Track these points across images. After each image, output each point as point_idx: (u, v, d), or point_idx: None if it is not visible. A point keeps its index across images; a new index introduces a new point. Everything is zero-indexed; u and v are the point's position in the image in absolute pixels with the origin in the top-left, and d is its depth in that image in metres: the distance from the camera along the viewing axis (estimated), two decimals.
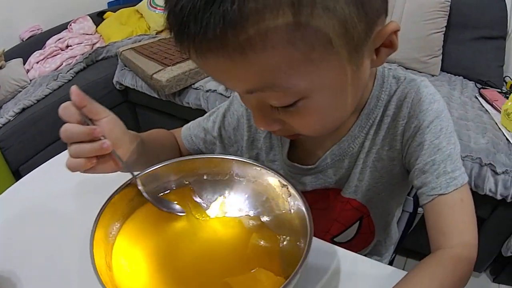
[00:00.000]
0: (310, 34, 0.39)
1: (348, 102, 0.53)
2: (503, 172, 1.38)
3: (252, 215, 0.57)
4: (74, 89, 0.50)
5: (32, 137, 2.10)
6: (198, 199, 0.59)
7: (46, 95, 2.21)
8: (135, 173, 0.55)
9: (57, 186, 0.80)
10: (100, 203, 0.51)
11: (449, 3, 2.07)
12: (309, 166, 0.70)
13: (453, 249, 0.54)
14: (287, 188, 0.53)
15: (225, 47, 0.39)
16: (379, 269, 0.60)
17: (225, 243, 0.54)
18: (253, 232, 0.54)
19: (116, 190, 0.52)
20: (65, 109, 0.51)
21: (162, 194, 0.58)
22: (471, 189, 1.38)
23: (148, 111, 2.45)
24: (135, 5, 3.08)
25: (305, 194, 0.72)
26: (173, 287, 0.48)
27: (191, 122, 0.83)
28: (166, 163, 0.58)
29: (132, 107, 2.60)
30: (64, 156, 0.84)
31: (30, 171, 0.87)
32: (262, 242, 0.52)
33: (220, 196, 0.59)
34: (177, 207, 0.57)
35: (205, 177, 0.59)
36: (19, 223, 0.72)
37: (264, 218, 0.56)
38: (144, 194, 0.55)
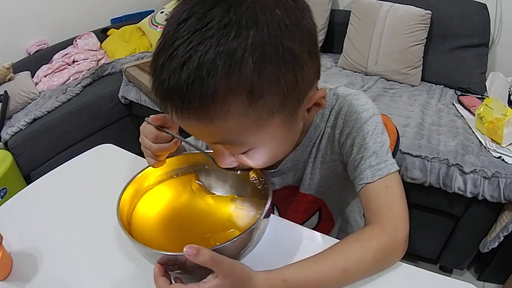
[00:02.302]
0: (259, 108, 0.53)
1: (287, 146, 0.71)
2: (471, 172, 1.49)
3: (235, 194, 0.74)
4: (153, 118, 0.69)
5: (42, 145, 2.20)
6: (199, 182, 0.77)
7: (56, 107, 2.30)
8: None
9: (65, 189, 0.92)
10: (103, 201, 0.69)
11: (430, 15, 2.15)
12: (273, 170, 0.85)
13: (378, 224, 0.67)
14: (261, 176, 0.70)
15: (200, 116, 0.52)
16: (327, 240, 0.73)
17: (214, 212, 0.71)
18: (234, 205, 0.72)
19: (137, 173, 0.72)
20: (160, 136, 0.69)
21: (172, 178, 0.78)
22: (440, 188, 1.53)
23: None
24: (137, 23, 3.14)
25: (276, 192, 0.89)
26: (174, 239, 0.67)
27: (188, 138, 0.99)
28: (180, 155, 0.77)
29: (136, 120, 2.72)
30: (71, 164, 1.00)
31: (40, 176, 0.96)
32: (239, 213, 0.70)
33: (215, 180, 0.77)
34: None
35: (206, 167, 0.77)
36: (30, 221, 0.82)
37: (243, 196, 0.73)
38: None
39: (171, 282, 0.54)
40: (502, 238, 1.55)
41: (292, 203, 0.92)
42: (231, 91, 0.50)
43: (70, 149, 2.36)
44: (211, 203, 0.73)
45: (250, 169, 0.71)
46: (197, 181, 0.77)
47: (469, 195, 1.53)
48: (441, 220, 1.75)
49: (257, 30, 0.49)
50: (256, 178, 0.71)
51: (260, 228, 0.59)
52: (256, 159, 0.65)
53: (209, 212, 0.71)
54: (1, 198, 1.93)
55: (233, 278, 0.53)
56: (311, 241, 0.73)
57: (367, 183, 0.70)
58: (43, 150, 2.23)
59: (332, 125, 0.78)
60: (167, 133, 0.69)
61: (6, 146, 2.14)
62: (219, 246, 0.52)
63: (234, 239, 0.54)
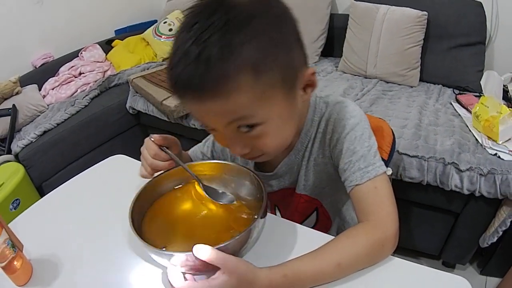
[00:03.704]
0: (264, 81, 0.62)
1: (291, 126, 0.76)
2: (467, 169, 1.53)
3: (234, 199, 0.79)
4: (156, 137, 0.80)
5: (53, 157, 2.27)
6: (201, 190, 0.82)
7: (65, 119, 2.37)
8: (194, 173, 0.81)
9: (80, 199, 0.97)
10: (117, 210, 0.75)
11: (427, 16, 2.18)
12: (270, 173, 0.93)
13: (369, 222, 0.72)
14: (258, 181, 0.76)
15: (216, 94, 0.61)
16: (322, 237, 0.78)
17: (216, 216, 0.77)
18: (234, 209, 0.77)
19: (144, 185, 0.78)
20: (158, 154, 0.80)
21: (177, 186, 0.84)
22: (437, 186, 1.58)
23: (159, 132, 2.49)
24: (141, 33, 3.20)
25: (274, 194, 0.97)
26: (182, 242, 0.72)
27: (194, 147, 1.08)
28: (180, 167, 0.82)
29: (144, 129, 2.78)
30: (85, 175, 1.06)
31: (52, 188, 1.01)
32: (239, 215, 0.75)
33: (215, 187, 0.81)
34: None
35: (206, 175, 0.82)
36: (48, 230, 0.87)
37: (242, 201, 0.79)
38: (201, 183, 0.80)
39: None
40: (500, 233, 1.58)
41: (290, 203, 0.98)
42: (239, 69, 0.60)
43: (80, 160, 2.42)
44: (213, 208, 0.78)
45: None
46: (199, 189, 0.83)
47: (466, 192, 1.56)
48: (441, 217, 1.79)
49: (251, 24, 0.60)
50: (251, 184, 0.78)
51: (258, 227, 0.66)
52: (267, 139, 0.71)
53: (212, 216, 0.77)
54: (15, 209, 1.99)
55: (238, 274, 0.60)
56: (307, 238, 0.78)
57: (357, 184, 0.75)
58: (53, 161, 2.29)
59: (323, 131, 0.85)
60: (166, 153, 0.79)
61: (17, 158, 2.20)
62: (222, 245, 0.59)
63: (235, 238, 0.61)
